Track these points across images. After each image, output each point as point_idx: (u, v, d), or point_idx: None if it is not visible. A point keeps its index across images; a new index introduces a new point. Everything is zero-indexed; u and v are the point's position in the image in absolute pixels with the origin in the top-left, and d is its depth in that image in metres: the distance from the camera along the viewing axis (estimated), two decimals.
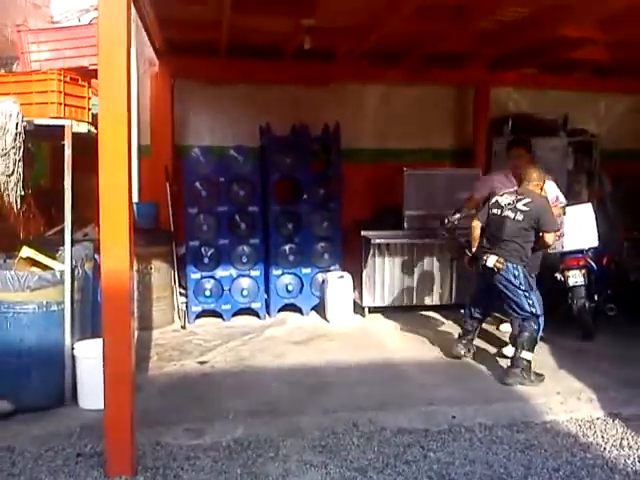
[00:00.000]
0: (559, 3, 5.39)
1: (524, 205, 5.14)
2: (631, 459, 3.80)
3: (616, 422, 4.32)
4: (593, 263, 6.37)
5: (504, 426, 4.25)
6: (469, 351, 5.64)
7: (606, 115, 8.83)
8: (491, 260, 5.15)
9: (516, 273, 5.11)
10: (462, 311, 5.79)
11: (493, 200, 5.39)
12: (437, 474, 3.61)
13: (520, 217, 5.13)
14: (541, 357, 5.75)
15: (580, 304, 6.19)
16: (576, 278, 6.20)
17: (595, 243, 6.33)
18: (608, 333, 6.30)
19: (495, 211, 5.29)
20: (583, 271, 6.22)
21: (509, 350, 5.53)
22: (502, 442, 4.03)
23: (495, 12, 5.69)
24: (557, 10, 5.58)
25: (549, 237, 5.21)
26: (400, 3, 5.37)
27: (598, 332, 6.25)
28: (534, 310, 5.14)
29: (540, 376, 5.08)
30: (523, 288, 5.13)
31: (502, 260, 5.11)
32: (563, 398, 4.72)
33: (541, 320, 5.17)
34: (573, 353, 5.84)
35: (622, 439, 4.07)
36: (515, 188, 5.42)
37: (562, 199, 6.00)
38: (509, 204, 5.21)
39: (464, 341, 5.63)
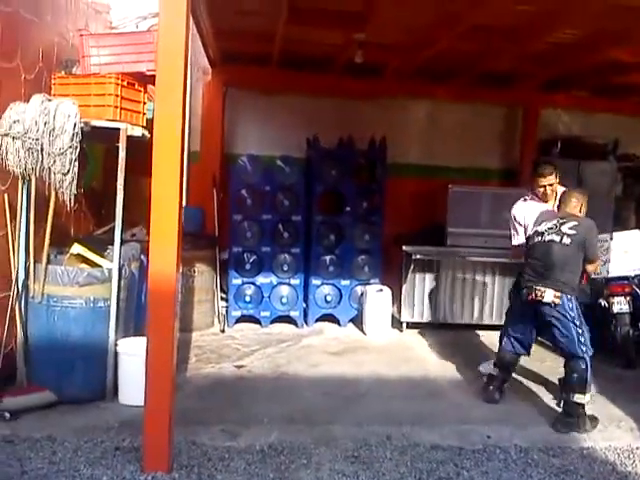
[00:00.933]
0: (611, 27, 5.36)
1: (570, 228, 4.70)
2: None
3: None
4: (638, 290, 6.25)
5: (540, 449, 4.19)
6: (503, 392, 5.10)
7: None
8: (549, 295, 4.59)
9: (570, 305, 4.63)
10: (499, 345, 5.17)
11: (532, 232, 4.97)
12: None
13: (567, 241, 4.66)
14: None
15: (624, 331, 6.07)
16: (621, 305, 6.09)
17: None
18: None
19: (537, 239, 4.83)
20: (628, 298, 6.11)
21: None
22: (537, 465, 3.97)
23: (548, 34, 5.68)
24: (610, 34, 5.56)
25: (591, 267, 4.86)
26: (454, 22, 5.40)
27: None
28: (584, 348, 4.62)
29: (595, 420, 4.63)
30: (577, 323, 4.64)
31: (558, 294, 4.60)
32: (602, 425, 4.62)
33: (589, 358, 4.65)
34: (614, 381, 5.71)
35: None
36: (554, 213, 5.01)
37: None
38: (551, 228, 4.77)
39: (497, 383, 5.07)
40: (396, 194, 7.49)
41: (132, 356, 4.47)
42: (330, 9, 5.51)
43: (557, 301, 4.60)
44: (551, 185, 5.22)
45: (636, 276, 6.24)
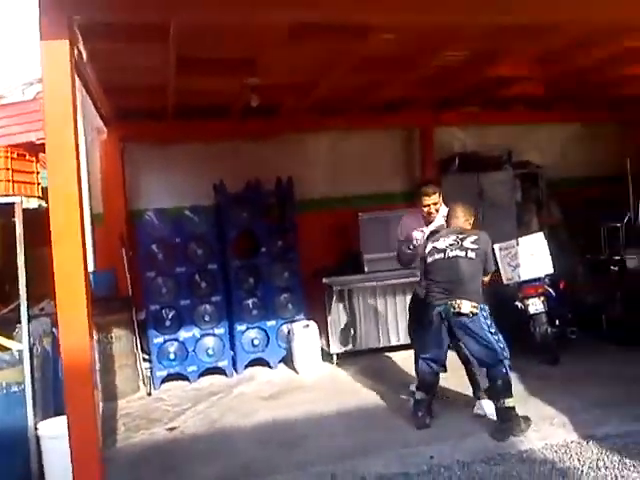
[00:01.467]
0: (492, 45, 5.64)
1: (472, 242, 4.82)
2: (608, 479, 3.82)
3: (590, 444, 4.36)
4: (551, 289, 6.51)
5: (482, 460, 4.25)
6: (432, 412, 5.06)
7: (548, 145, 9.13)
8: (466, 306, 4.66)
9: (485, 314, 4.75)
10: (416, 369, 5.21)
11: (429, 248, 4.96)
12: None
13: (472, 255, 4.79)
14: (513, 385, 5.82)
15: (542, 330, 6.31)
16: (536, 306, 6.33)
17: (550, 270, 6.48)
18: (572, 356, 6.39)
19: (438, 256, 4.87)
20: (542, 298, 6.36)
21: (485, 406, 5.07)
22: (482, 478, 4.03)
23: (432, 59, 5.90)
24: (491, 52, 5.84)
25: (487, 278, 5.00)
26: (337, 62, 5.55)
27: (562, 355, 6.34)
28: (505, 354, 4.75)
29: (528, 420, 4.73)
30: (493, 331, 4.77)
31: (475, 304, 4.68)
32: (536, 425, 4.74)
33: (507, 362, 4.78)
34: (540, 379, 5.89)
35: (598, 460, 4.11)
36: (447, 228, 5.05)
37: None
38: (452, 244, 4.83)
39: (424, 406, 5.00)
40: (309, 229, 7.55)
41: (55, 438, 4.19)
42: (219, 57, 5.53)
43: (475, 311, 4.69)
44: (435, 204, 5.35)
45: (546, 276, 6.51)
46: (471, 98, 7.88)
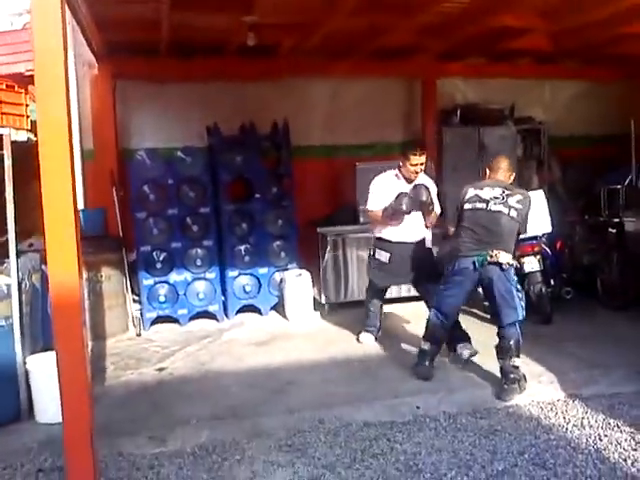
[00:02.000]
0: None
1: (517, 202, 4.67)
2: (592, 438, 3.86)
3: (576, 403, 4.39)
4: (547, 249, 6.48)
5: (468, 413, 4.28)
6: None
7: (552, 102, 9.00)
8: (503, 257, 4.55)
9: (512, 271, 4.68)
10: (428, 320, 5.08)
11: (471, 194, 4.79)
12: (405, 465, 3.60)
13: (514, 214, 4.65)
14: None
15: (537, 289, 6.29)
16: (532, 264, 6.30)
17: (548, 229, 6.44)
18: (565, 316, 6.41)
19: (479, 205, 4.70)
20: (538, 257, 6.32)
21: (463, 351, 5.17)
22: (466, 429, 4.05)
23: (437, 4, 5.71)
24: (495, 1, 5.65)
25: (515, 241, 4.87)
26: (335, 3, 5.34)
27: (556, 315, 6.36)
28: (523, 314, 4.70)
29: (525, 379, 4.70)
30: (519, 288, 4.74)
31: (510, 257, 4.61)
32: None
33: (521, 323, 4.72)
34: (532, 338, 5.83)
35: (583, 419, 4.14)
36: (491, 181, 4.88)
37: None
38: (496, 198, 4.68)
39: (429, 358, 5.01)
40: (305, 177, 7.44)
41: (43, 372, 4.24)
42: None
43: (512, 262, 4.63)
44: (422, 164, 5.42)
45: (543, 235, 6.47)
46: (475, 49, 7.68)
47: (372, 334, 5.97)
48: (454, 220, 5.03)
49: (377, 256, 5.65)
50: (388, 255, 5.57)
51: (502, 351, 4.73)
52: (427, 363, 5.00)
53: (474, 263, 4.64)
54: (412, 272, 5.56)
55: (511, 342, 4.67)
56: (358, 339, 6.00)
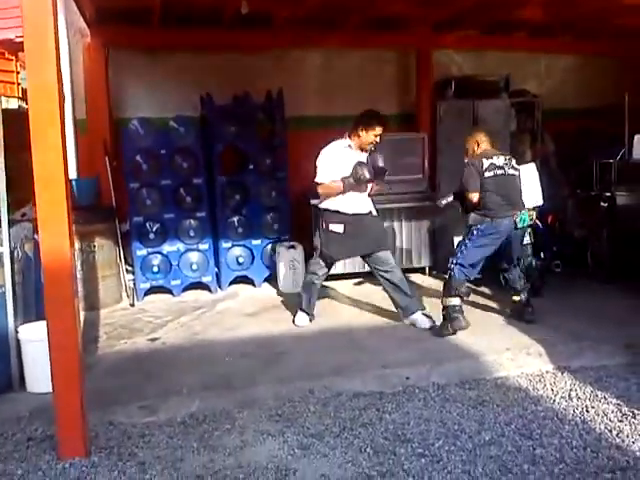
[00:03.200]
0: None
1: (515, 164, 5.51)
2: (579, 409, 3.91)
3: (565, 375, 4.44)
4: (539, 222, 6.49)
5: (456, 384, 4.32)
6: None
7: (547, 75, 8.94)
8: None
9: None
10: (451, 278, 5.37)
11: (487, 163, 5.31)
12: (393, 434, 3.64)
13: (517, 174, 5.49)
14: (490, 314, 5.90)
15: (527, 262, 6.30)
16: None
17: (540, 202, 6.43)
18: (555, 289, 6.47)
19: (499, 172, 5.32)
20: (529, 230, 6.33)
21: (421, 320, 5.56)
22: (455, 400, 4.09)
23: None
24: None
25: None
26: None
27: (545, 288, 6.41)
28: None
29: (459, 321, 5.35)
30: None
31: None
32: (513, 354, 4.81)
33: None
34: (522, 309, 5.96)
35: (571, 390, 4.19)
36: (490, 150, 5.50)
37: None
38: (506, 164, 5.39)
39: (461, 311, 5.39)
40: (299, 148, 7.36)
41: (35, 342, 4.24)
42: None
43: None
44: (380, 136, 5.43)
45: (535, 207, 6.47)
46: (470, 21, 7.60)
47: (308, 314, 5.80)
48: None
49: (332, 229, 5.49)
50: (342, 226, 5.47)
51: (517, 288, 5.63)
52: (461, 316, 5.35)
53: (515, 222, 5.41)
54: (369, 242, 5.56)
55: (519, 277, 5.60)
56: (294, 321, 5.80)
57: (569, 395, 4.13)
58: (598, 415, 3.83)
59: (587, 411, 3.89)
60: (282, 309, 6.36)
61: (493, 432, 3.65)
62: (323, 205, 5.59)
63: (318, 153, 5.56)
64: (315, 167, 5.50)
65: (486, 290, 6.71)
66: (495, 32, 8.05)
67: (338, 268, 7.03)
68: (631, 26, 7.24)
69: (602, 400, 4.03)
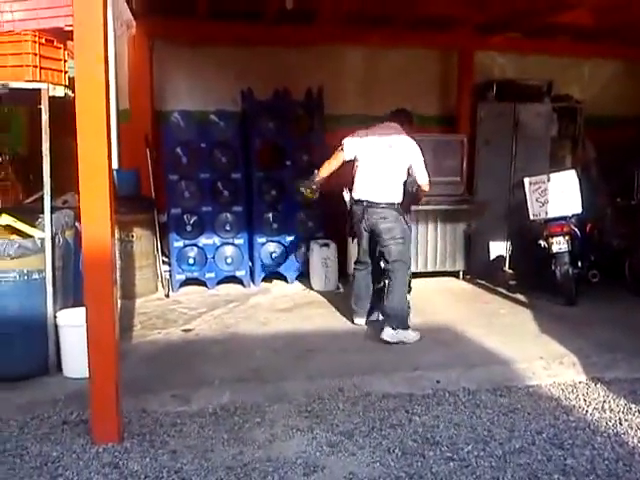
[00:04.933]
0: None
1: None
2: (612, 421, 3.85)
3: (598, 386, 4.38)
4: (577, 230, 6.41)
5: (488, 390, 4.29)
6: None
7: (591, 81, 8.77)
8: None
9: None
10: None
11: None
12: (422, 437, 3.63)
13: None
14: (524, 322, 5.84)
15: (564, 270, 6.24)
16: (560, 245, 6.24)
17: (579, 210, 6.37)
18: (590, 299, 6.37)
19: None
20: (567, 238, 6.26)
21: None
22: (486, 406, 4.06)
23: None
24: None
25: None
26: None
27: (581, 298, 6.32)
28: None
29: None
30: None
31: None
32: (546, 363, 4.76)
33: None
34: (556, 319, 5.90)
35: (604, 402, 4.13)
36: None
37: None
38: None
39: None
40: (337, 146, 7.37)
41: (73, 327, 4.31)
42: None
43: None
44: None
45: (573, 215, 6.39)
46: (515, 23, 7.48)
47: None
48: None
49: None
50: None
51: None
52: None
53: None
54: None
55: None
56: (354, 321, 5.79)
57: (602, 407, 4.07)
58: (632, 428, 3.77)
59: (620, 424, 3.83)
60: (314, 306, 6.39)
61: (523, 440, 3.62)
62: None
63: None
64: (420, 166, 5.42)
65: (521, 297, 6.64)
66: (538, 36, 7.93)
67: None
68: None
69: (636, 413, 3.97)
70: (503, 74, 8.38)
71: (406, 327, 5.27)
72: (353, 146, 5.45)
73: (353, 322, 5.72)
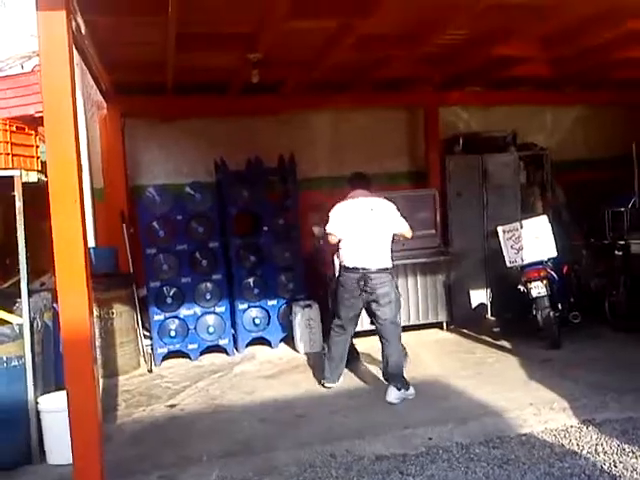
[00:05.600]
0: (495, 24, 5.54)
1: None
2: (607, 464, 3.82)
3: (590, 429, 4.36)
4: (554, 273, 6.49)
5: (481, 443, 4.25)
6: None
7: (554, 127, 9.04)
8: None
9: None
10: None
11: None
12: None
13: None
14: (511, 369, 5.83)
15: (545, 314, 6.28)
16: (539, 289, 6.30)
17: (554, 253, 6.46)
18: (574, 340, 6.41)
19: None
20: (545, 282, 6.33)
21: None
22: (480, 459, 4.01)
23: (435, 37, 5.80)
24: (494, 31, 5.74)
25: None
26: (340, 35, 5.45)
27: (565, 340, 6.35)
28: None
29: None
30: None
31: None
32: (536, 409, 4.74)
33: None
34: (542, 363, 5.90)
35: (597, 445, 4.10)
36: None
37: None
38: None
39: None
40: (311, 208, 7.48)
41: (55, 412, 4.24)
42: (218, 32, 5.44)
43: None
44: None
45: (549, 259, 6.48)
46: (475, 78, 7.76)
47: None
48: None
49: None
50: None
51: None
52: None
53: None
54: None
55: None
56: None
57: (595, 450, 4.04)
58: (627, 469, 3.74)
59: (615, 466, 3.80)
60: (299, 370, 6.32)
61: None
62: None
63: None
64: (399, 219, 5.60)
65: (506, 344, 6.65)
66: (500, 88, 8.21)
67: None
68: (637, 76, 7.35)
69: (630, 454, 3.94)
70: (468, 127, 8.62)
71: (408, 386, 5.28)
72: (337, 221, 5.54)
73: (324, 386, 5.67)
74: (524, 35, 5.88)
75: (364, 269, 5.34)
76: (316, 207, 6.99)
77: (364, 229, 5.43)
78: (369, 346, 6.58)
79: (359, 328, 6.51)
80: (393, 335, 5.41)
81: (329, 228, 5.54)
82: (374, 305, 5.38)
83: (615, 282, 6.83)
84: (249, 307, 7.11)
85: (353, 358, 6.07)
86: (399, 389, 5.23)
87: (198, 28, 5.21)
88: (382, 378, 5.51)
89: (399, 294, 5.59)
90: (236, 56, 5.91)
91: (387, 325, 5.38)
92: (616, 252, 6.80)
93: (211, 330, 6.87)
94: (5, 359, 4.26)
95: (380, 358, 5.63)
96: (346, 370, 5.97)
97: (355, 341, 6.13)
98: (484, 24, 5.52)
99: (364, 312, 5.65)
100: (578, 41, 6.08)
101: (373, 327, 5.69)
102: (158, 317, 6.76)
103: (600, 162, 8.53)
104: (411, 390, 5.29)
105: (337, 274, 5.73)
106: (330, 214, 5.58)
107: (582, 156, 8.83)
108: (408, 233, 5.61)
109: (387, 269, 5.41)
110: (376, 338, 5.66)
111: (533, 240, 6.50)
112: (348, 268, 5.43)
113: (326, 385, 5.66)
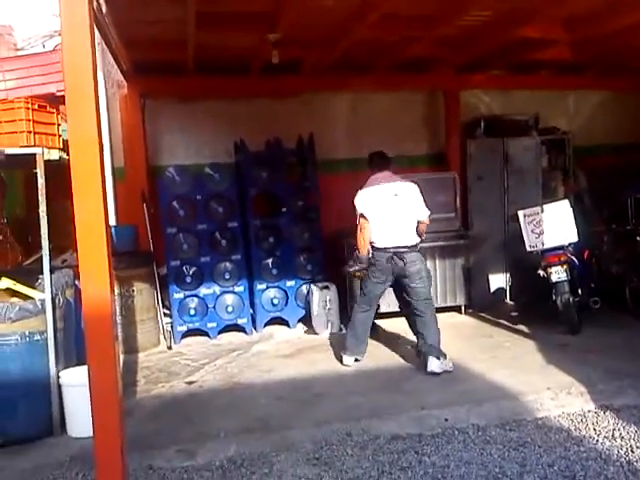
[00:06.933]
0: (519, 6, 5.47)
1: None
2: (624, 449, 3.81)
3: (607, 414, 4.34)
4: (574, 258, 6.43)
5: (497, 425, 4.25)
6: None
7: (576, 112, 8.93)
8: None
9: None
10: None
11: None
12: (433, 478, 3.59)
13: None
14: (528, 354, 5.81)
15: (564, 299, 6.24)
16: (559, 274, 6.26)
17: (575, 238, 6.40)
18: (593, 326, 6.35)
19: None
20: (565, 267, 6.28)
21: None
22: (496, 442, 4.02)
23: (457, 18, 5.74)
24: (518, 12, 5.67)
25: None
26: (363, 13, 5.41)
27: (583, 325, 6.31)
28: None
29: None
30: None
31: None
32: (554, 393, 4.73)
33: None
34: (561, 348, 5.88)
35: (614, 430, 4.09)
36: None
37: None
38: None
39: None
40: (330, 190, 7.47)
41: (76, 387, 4.32)
42: (238, 11, 5.43)
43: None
44: None
45: (570, 244, 6.43)
46: (497, 61, 7.68)
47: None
48: None
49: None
50: None
51: None
52: None
53: None
54: None
55: None
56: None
57: (612, 435, 4.02)
58: None
59: (632, 451, 3.78)
60: (317, 350, 6.36)
61: (536, 474, 3.57)
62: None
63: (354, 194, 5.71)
64: (421, 203, 5.65)
65: (524, 328, 6.63)
66: (522, 72, 8.12)
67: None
68: None
69: None
70: (490, 110, 8.54)
71: (445, 357, 5.44)
72: (364, 203, 5.60)
73: (342, 362, 5.73)
74: (547, 17, 5.80)
75: (395, 247, 5.44)
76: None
77: (390, 213, 5.52)
78: (393, 327, 6.63)
79: (385, 309, 6.60)
80: (428, 309, 5.54)
81: (359, 212, 5.58)
82: (406, 281, 5.48)
83: (636, 268, 6.75)
84: (267, 287, 7.15)
85: (375, 332, 6.23)
86: (438, 359, 5.35)
87: (218, 7, 5.20)
88: (416, 355, 5.65)
89: (429, 271, 5.71)
90: (256, 35, 5.90)
91: (421, 302, 5.51)
92: (638, 238, 6.71)
93: (230, 309, 6.94)
94: (28, 334, 4.33)
95: (401, 340, 5.77)
96: (367, 353, 5.99)
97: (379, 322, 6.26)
98: (508, 4, 5.45)
99: (392, 294, 5.85)
100: (602, 24, 5.97)
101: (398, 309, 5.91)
102: (178, 295, 6.83)
103: (622, 148, 8.42)
104: (450, 362, 5.40)
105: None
106: (355, 201, 5.62)
107: (604, 141, 8.72)
108: (427, 221, 5.67)
109: (416, 246, 5.53)
110: (400, 320, 5.76)
111: (554, 225, 6.44)
112: (379, 248, 5.51)
113: (345, 359, 5.71)
